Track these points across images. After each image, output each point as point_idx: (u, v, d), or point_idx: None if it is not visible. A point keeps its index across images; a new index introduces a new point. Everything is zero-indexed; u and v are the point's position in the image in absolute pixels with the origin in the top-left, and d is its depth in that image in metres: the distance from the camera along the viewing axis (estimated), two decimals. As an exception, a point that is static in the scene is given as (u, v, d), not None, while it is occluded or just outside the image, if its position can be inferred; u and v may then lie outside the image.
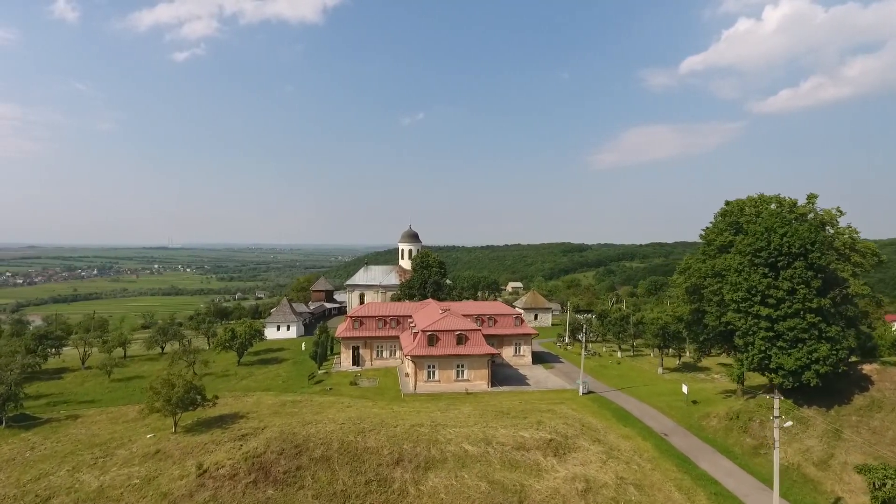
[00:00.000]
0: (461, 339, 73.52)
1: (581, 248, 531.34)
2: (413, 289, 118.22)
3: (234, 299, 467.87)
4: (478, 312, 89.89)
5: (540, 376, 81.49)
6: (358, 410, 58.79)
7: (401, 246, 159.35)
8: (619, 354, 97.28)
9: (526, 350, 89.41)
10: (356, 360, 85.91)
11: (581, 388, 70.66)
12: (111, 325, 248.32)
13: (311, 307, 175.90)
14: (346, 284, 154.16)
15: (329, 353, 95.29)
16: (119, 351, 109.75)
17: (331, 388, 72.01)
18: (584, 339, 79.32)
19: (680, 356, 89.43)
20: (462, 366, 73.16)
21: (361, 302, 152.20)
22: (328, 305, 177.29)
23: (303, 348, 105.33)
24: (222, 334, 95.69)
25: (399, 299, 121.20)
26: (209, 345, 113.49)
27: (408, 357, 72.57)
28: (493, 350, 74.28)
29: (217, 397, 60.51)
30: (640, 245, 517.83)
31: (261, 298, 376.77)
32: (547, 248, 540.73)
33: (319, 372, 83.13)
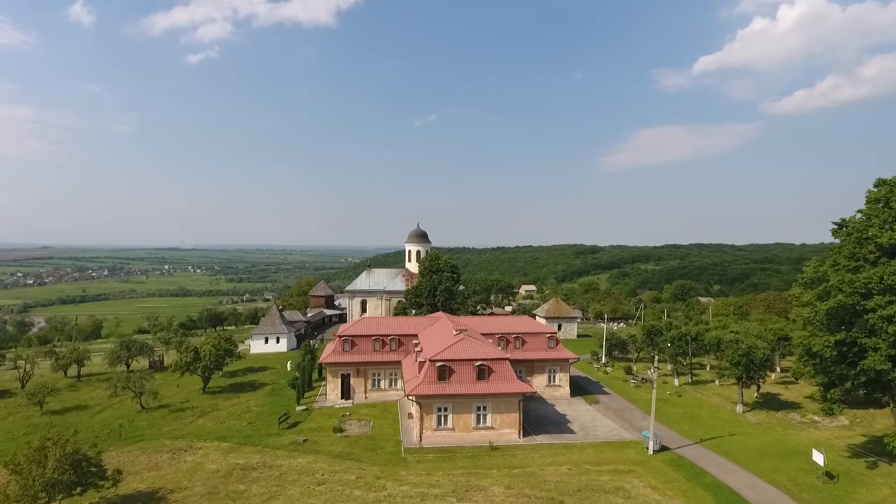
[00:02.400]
0: (483, 373, 52.87)
1: (594, 250, 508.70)
2: (421, 297, 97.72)
3: (242, 301, 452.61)
4: (501, 331, 69.19)
5: (584, 417, 60.61)
6: (331, 494, 38.36)
7: (407, 247, 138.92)
8: (676, 382, 76.10)
9: (563, 379, 68.51)
10: (346, 392, 65.47)
11: (650, 443, 49.76)
12: (105, 327, 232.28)
13: (310, 314, 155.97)
14: (347, 290, 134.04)
15: (319, 375, 75.39)
16: (82, 366, 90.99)
17: (305, 441, 51.44)
18: (654, 373, 56.89)
19: (759, 386, 68.21)
20: (484, 408, 52.53)
21: (363, 310, 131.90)
22: (328, 312, 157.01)
23: (288, 368, 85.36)
24: (182, 355, 75.54)
25: (404, 309, 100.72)
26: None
27: (411, 397, 52.04)
28: (526, 387, 53.45)
29: (121, 473, 39.85)
30: (655, 247, 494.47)
31: (268, 300, 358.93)
32: (559, 249, 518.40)
33: (298, 409, 62.72)
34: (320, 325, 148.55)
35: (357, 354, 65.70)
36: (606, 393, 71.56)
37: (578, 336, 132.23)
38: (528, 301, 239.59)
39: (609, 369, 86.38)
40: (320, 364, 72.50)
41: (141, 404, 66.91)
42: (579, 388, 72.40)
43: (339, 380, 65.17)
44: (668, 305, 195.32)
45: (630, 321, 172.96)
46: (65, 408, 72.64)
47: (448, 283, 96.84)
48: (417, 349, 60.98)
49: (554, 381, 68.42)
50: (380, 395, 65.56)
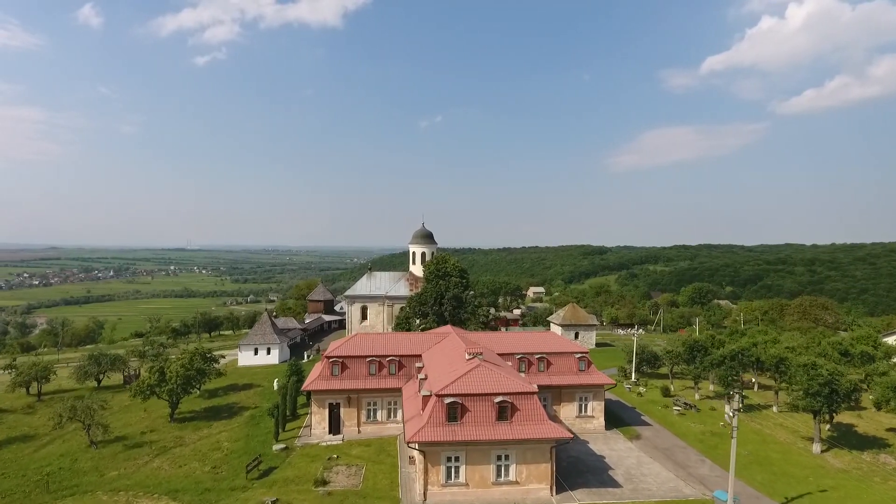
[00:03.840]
0: (505, 412, 40.58)
1: (601, 251, 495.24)
2: (426, 305, 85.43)
3: (246, 301, 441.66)
4: (522, 350, 56.80)
5: (628, 460, 48.16)
6: None
7: (412, 248, 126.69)
8: (727, 409, 63.23)
9: (596, 408, 56.06)
10: (334, 426, 53.23)
11: (727, 508, 37.33)
12: (103, 330, 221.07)
13: (308, 320, 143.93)
14: (346, 295, 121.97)
15: (309, 399, 63.09)
16: (43, 383, 79.64)
17: (275, 502, 39.14)
18: (733, 414, 42.00)
19: (832, 418, 55.56)
20: (506, 458, 40.23)
21: (364, 317, 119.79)
22: (327, 318, 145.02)
23: (275, 387, 73.32)
24: (145, 377, 63.42)
25: (407, 318, 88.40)
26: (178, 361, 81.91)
27: (412, 444, 39.74)
28: (560, 430, 40.99)
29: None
30: (664, 248, 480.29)
31: (272, 301, 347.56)
32: (565, 250, 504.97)
33: (275, 448, 50.54)
34: (318, 333, 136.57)
35: (349, 380, 53.46)
36: (647, 424, 59.03)
37: (597, 345, 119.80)
38: (538, 304, 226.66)
39: (642, 390, 73.78)
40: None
41: (90, 438, 55.00)
42: (613, 416, 59.93)
43: (327, 410, 52.95)
44: (687, 310, 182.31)
45: (649, 327, 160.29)
46: (9, 437, 61.10)
47: (456, 289, 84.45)
48: (421, 376, 48.70)
49: (586, 410, 55.98)
50: (376, 430, 53.30)
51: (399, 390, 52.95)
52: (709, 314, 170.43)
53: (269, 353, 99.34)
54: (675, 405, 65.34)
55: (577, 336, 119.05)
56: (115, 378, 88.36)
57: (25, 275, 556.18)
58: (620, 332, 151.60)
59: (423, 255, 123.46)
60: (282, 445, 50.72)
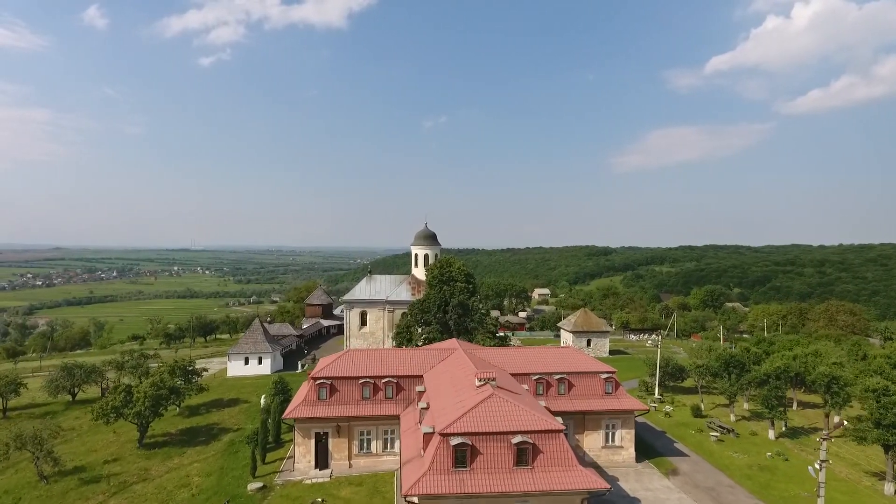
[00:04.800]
0: (525, 455, 32.52)
1: (606, 252, 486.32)
2: (428, 312, 77.31)
3: (249, 302, 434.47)
4: (539, 369, 48.66)
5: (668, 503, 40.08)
6: None
7: (414, 250, 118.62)
8: (771, 434, 55.07)
9: (626, 438, 47.88)
10: (322, 459, 45.20)
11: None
12: (99, 332, 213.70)
13: (305, 325, 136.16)
14: (344, 299, 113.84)
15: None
16: (9, 398, 71.95)
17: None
18: (819, 465, 33.25)
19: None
20: (527, 512, 32.17)
21: (363, 322, 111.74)
22: (325, 323, 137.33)
23: (262, 403, 65.23)
24: (109, 398, 55.47)
25: (408, 326, 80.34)
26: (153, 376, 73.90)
27: (412, 497, 31.65)
28: (594, 480, 32.78)
29: None
30: (670, 248, 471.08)
31: (276, 302, 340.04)
32: (570, 251, 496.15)
33: (251, 487, 42.52)
34: (316, 339, 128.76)
35: (338, 405, 45.44)
36: (683, 454, 50.81)
37: (611, 352, 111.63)
38: (544, 307, 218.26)
39: (669, 408, 65.61)
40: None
41: (39, 472, 47.14)
42: (642, 442, 51.71)
43: (313, 441, 44.96)
44: (700, 313, 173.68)
45: (662, 332, 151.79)
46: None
47: (462, 295, 76.29)
48: (422, 404, 40.68)
49: (613, 440, 47.84)
50: (370, 463, 45.27)
51: (397, 417, 44.92)
52: (724, 318, 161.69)
53: (260, 362, 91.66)
54: (710, 428, 57.20)
55: (589, 343, 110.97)
56: (93, 391, 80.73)
57: (29, 275, 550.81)
58: (633, 337, 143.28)
59: (426, 257, 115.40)
60: (258, 484, 42.71)
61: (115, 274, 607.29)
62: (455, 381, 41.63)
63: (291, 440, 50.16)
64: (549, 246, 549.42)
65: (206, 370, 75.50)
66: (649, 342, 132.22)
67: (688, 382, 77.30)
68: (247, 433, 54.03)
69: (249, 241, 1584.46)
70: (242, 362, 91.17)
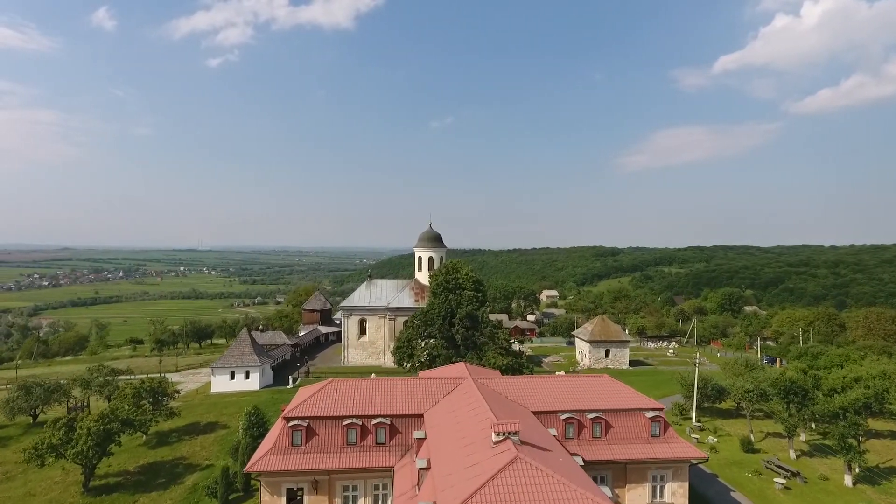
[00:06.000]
0: (566, 554, 22.59)
1: (613, 252, 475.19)
2: (432, 325, 67.43)
3: (254, 303, 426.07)
4: (568, 406, 38.55)
5: None
6: None
7: (417, 252, 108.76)
8: (847, 480, 44.80)
9: (678, 493, 37.74)
10: (296, 522, 35.40)
11: None
12: (101, 335, 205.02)
13: (302, 332, 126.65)
14: (342, 306, 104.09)
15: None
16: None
17: None
18: None
19: None
20: None
21: (362, 331, 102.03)
22: (323, 329, 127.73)
23: (239, 431, 55.06)
24: (46, 433, 45.74)
25: (409, 340, 70.41)
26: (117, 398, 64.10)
27: None
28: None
29: None
30: (678, 249, 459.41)
31: (280, 303, 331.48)
32: (577, 251, 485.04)
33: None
34: (313, 347, 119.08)
35: (316, 453, 35.62)
36: (743, 507, 40.67)
37: (631, 364, 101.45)
38: (554, 310, 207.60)
39: (713, 439, 55.46)
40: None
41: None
42: (692, 490, 41.51)
43: (284, 499, 35.13)
44: (718, 318, 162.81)
45: (681, 339, 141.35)
46: None
47: (471, 305, 66.31)
48: (421, 462, 30.78)
49: (661, 495, 37.74)
50: (357, 527, 35.42)
51: (390, 470, 35.08)
52: (746, 324, 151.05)
53: (247, 377, 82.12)
54: (769, 469, 47.00)
55: (607, 354, 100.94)
56: (58, 411, 71.19)
57: (36, 275, 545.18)
58: (650, 345, 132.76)
59: (431, 260, 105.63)
60: (212, 559, 33.01)
61: (121, 274, 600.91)
62: (464, 427, 31.69)
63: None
64: (556, 246, 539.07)
65: (178, 392, 65.72)
66: (670, 351, 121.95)
67: (725, 403, 67.25)
68: (215, 473, 44.35)
69: (255, 242, 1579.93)
70: (228, 377, 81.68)
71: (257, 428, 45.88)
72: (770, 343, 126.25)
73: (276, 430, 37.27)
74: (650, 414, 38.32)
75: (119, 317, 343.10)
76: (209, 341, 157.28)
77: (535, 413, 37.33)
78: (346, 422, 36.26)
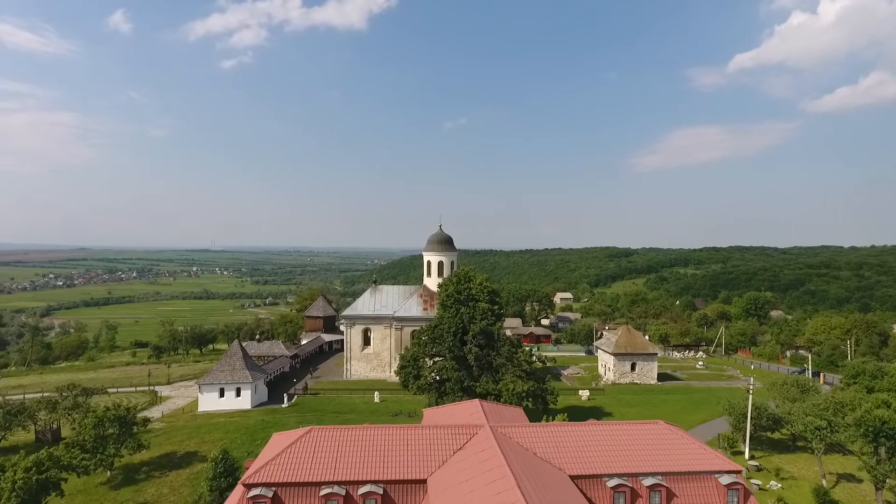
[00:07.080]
0: None
1: (627, 253, 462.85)
2: (442, 343, 58.23)
3: (265, 304, 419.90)
4: (618, 470, 29.27)
5: None
6: None
7: (427, 256, 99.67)
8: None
9: (764, 586, 28.40)
10: None
11: None
12: (108, 336, 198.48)
13: (304, 340, 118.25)
14: (345, 315, 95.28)
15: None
16: None
17: None
18: None
19: None
20: None
21: (366, 341, 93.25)
22: (326, 338, 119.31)
23: (203, 485, 45.32)
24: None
25: (415, 358, 61.23)
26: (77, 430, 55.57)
27: None
28: None
29: None
30: (694, 250, 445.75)
31: (290, 303, 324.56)
32: (590, 252, 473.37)
33: None
34: (315, 357, 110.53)
35: (286, 533, 26.73)
36: None
37: (660, 378, 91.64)
38: (569, 314, 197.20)
39: (775, 485, 45.80)
40: None
41: None
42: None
43: None
44: (745, 324, 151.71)
45: (708, 348, 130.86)
46: None
47: (485, 320, 57.09)
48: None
49: (741, 586, 28.32)
50: None
51: (383, 557, 26.02)
52: (776, 332, 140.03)
53: (238, 394, 73.60)
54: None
55: (633, 368, 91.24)
56: (24, 436, 63.10)
57: (51, 275, 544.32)
58: (676, 355, 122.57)
59: (441, 264, 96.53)
60: None
61: (134, 274, 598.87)
62: (474, 493, 22.54)
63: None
64: (569, 247, 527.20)
65: (148, 420, 57.02)
66: (699, 363, 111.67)
67: (779, 434, 57.54)
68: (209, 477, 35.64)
69: (268, 242, 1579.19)
70: (216, 394, 73.19)
71: (225, 478, 37.05)
72: (802, 352, 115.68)
73: (234, 499, 28.28)
74: (725, 479, 28.82)
75: (130, 317, 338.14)
76: (211, 346, 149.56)
77: (573, 478, 28.10)
78: (324, 490, 27.19)
